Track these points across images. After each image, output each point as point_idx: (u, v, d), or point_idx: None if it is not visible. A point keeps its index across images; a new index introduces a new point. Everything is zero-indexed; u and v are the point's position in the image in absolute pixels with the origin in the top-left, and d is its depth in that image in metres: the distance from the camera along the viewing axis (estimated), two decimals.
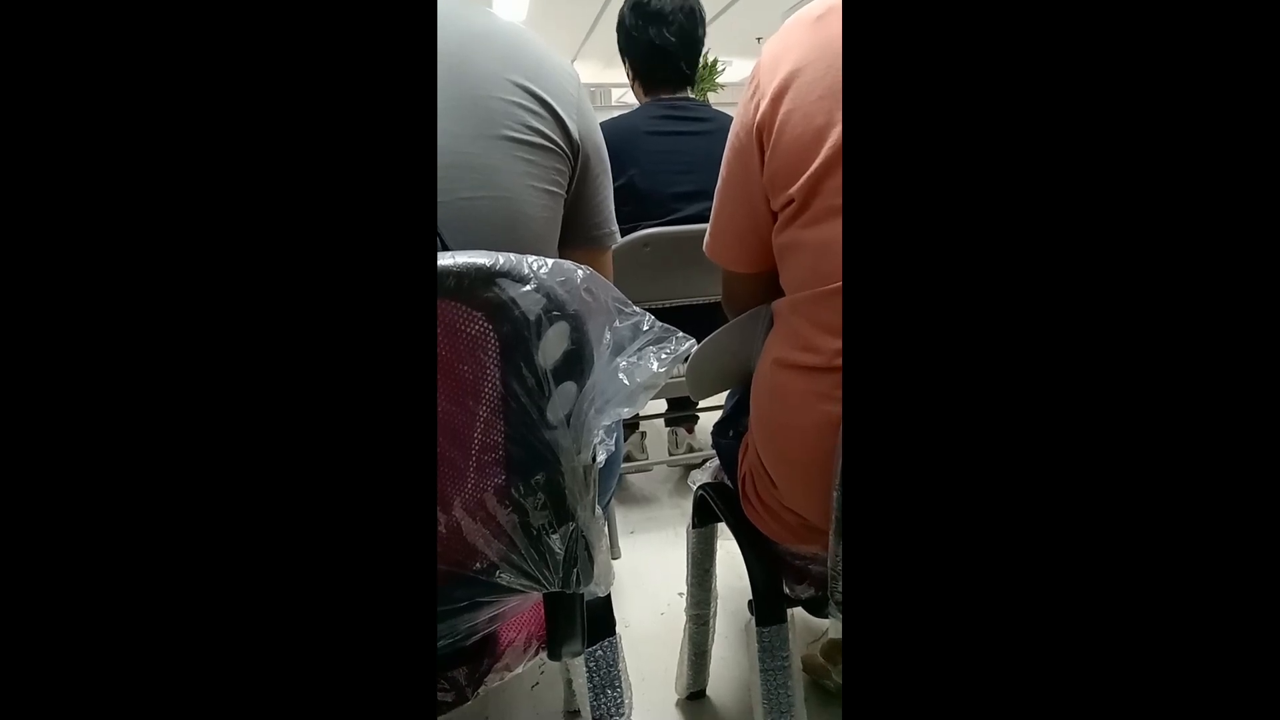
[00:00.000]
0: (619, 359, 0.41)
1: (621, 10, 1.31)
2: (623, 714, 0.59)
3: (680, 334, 0.42)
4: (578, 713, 0.96)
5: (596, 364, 0.41)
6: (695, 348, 0.84)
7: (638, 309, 0.43)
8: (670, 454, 1.70)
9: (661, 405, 1.72)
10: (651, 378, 0.41)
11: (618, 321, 0.41)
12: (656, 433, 1.80)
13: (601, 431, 0.44)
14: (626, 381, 0.41)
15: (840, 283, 0.52)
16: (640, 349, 0.41)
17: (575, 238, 0.67)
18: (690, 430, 1.71)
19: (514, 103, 0.55)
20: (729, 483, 0.75)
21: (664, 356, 0.41)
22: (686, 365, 0.86)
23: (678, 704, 0.98)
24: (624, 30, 1.31)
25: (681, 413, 1.67)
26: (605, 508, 0.85)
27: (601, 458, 0.45)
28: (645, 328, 0.42)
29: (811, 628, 1.00)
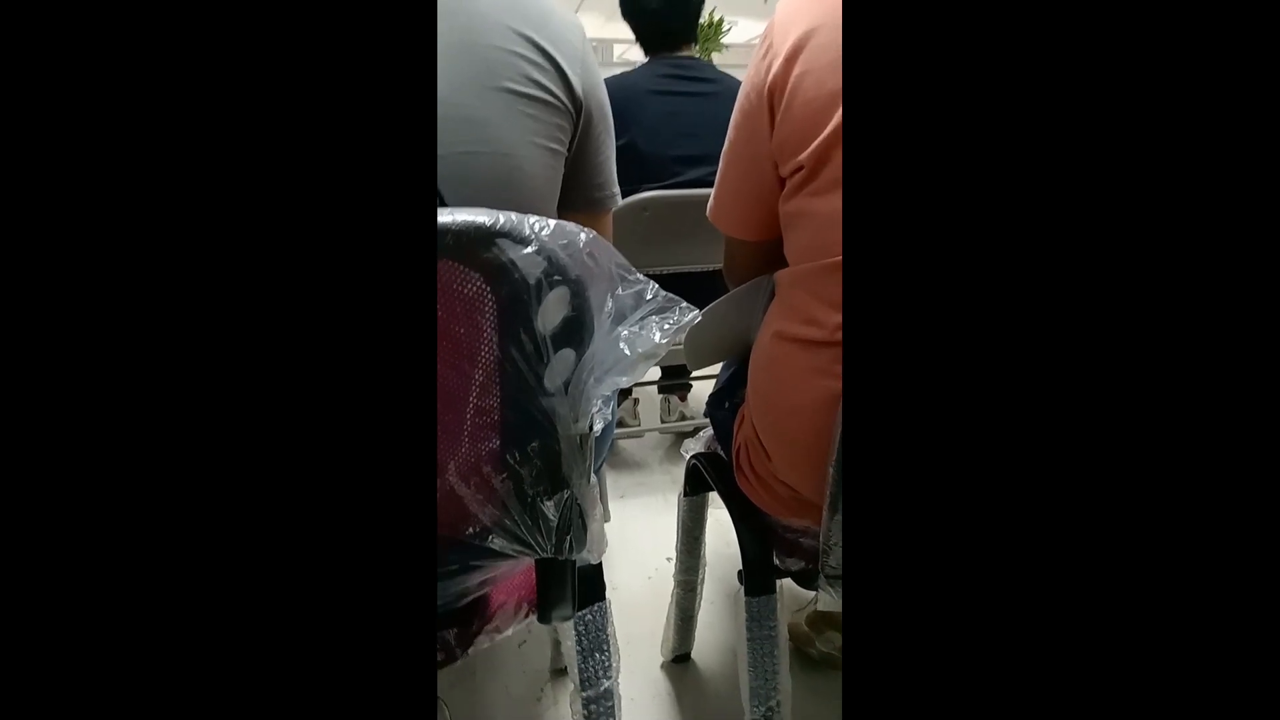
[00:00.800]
0: (620, 328, 0.40)
1: None
2: (610, 676, 0.60)
3: (684, 304, 0.41)
4: (564, 670, 0.97)
5: (597, 332, 0.40)
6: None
7: (641, 276, 0.41)
8: (663, 421, 1.71)
9: (655, 372, 1.71)
10: (653, 348, 0.40)
11: (620, 289, 0.40)
12: (649, 399, 1.80)
13: (599, 400, 0.43)
14: (627, 351, 0.40)
15: None
16: (643, 318, 0.40)
17: (575, 199, 0.65)
18: (683, 398, 1.71)
19: (516, 53, 0.53)
20: (722, 453, 0.75)
21: (667, 327, 0.40)
22: (685, 334, 0.85)
23: (663, 666, 1.00)
24: None
25: (675, 380, 1.67)
26: (597, 473, 0.85)
27: (598, 426, 0.44)
28: (648, 296, 0.40)
29: (797, 596, 1.02)
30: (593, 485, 0.47)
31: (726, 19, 4.47)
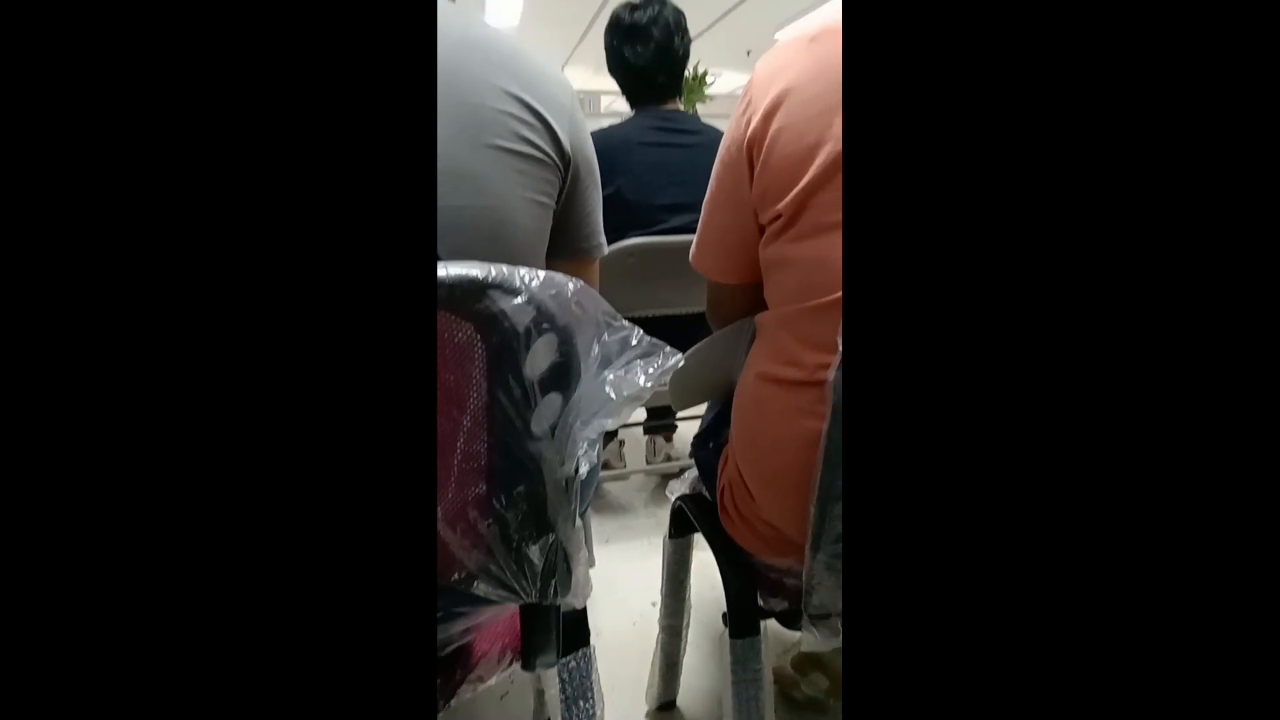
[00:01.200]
0: (606, 372, 0.41)
1: (605, 29, 1.32)
2: None
3: (668, 349, 0.43)
4: None
5: (583, 376, 0.41)
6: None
7: (626, 323, 0.43)
8: (648, 462, 1.70)
9: (641, 414, 1.72)
10: (638, 391, 0.41)
11: (606, 335, 0.41)
12: (635, 441, 1.80)
13: (585, 443, 0.44)
14: (612, 394, 0.41)
15: (825, 298, 0.53)
16: (628, 362, 0.41)
17: (563, 248, 0.67)
18: (669, 439, 1.71)
19: (507, 112, 0.55)
20: (707, 494, 0.76)
21: (651, 371, 0.41)
22: (670, 376, 0.87)
23: (648, 715, 0.98)
24: (608, 48, 1.33)
25: (660, 421, 1.67)
26: (583, 516, 0.85)
27: (584, 470, 0.45)
28: (634, 342, 0.42)
29: (782, 639, 1.01)
30: (578, 529, 0.47)
31: (710, 72, 4.64)
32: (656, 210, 1.26)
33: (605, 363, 0.42)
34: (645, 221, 1.25)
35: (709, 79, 4.68)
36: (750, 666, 0.66)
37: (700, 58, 3.33)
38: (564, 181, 0.62)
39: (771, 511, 0.62)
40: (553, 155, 0.59)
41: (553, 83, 0.60)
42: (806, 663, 0.93)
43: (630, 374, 0.42)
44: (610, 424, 0.43)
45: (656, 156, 1.27)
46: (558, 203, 0.63)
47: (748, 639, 0.65)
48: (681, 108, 1.39)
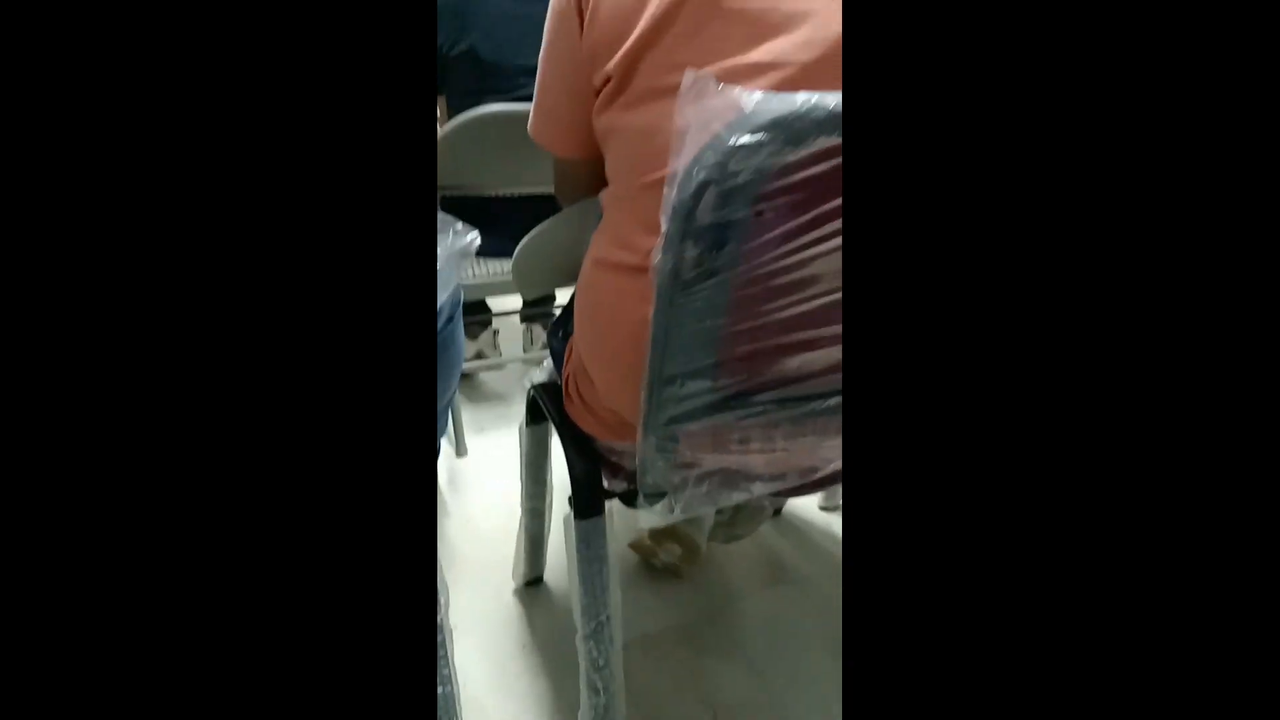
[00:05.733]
0: None
1: None
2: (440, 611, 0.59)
3: (461, 225, 0.38)
4: None
5: None
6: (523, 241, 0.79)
7: None
8: (525, 351, 1.67)
9: (517, 302, 1.66)
10: None
11: None
12: (511, 329, 1.75)
13: None
14: None
15: (654, 175, 0.49)
16: None
17: None
18: (545, 327, 1.68)
19: None
20: (559, 382, 0.74)
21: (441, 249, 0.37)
22: (513, 259, 0.81)
23: (515, 592, 1.02)
24: None
25: (537, 309, 1.63)
26: (449, 407, 0.81)
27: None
28: None
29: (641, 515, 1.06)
30: None
31: None
32: (516, 73, 1.13)
33: None
34: (504, 86, 1.13)
35: None
36: (595, 545, 0.68)
37: None
38: None
39: (611, 397, 0.61)
40: None
41: None
42: (661, 534, 0.99)
43: None
44: None
45: (513, 8, 1.12)
46: None
47: (591, 520, 0.67)
48: None
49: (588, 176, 0.65)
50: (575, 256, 0.69)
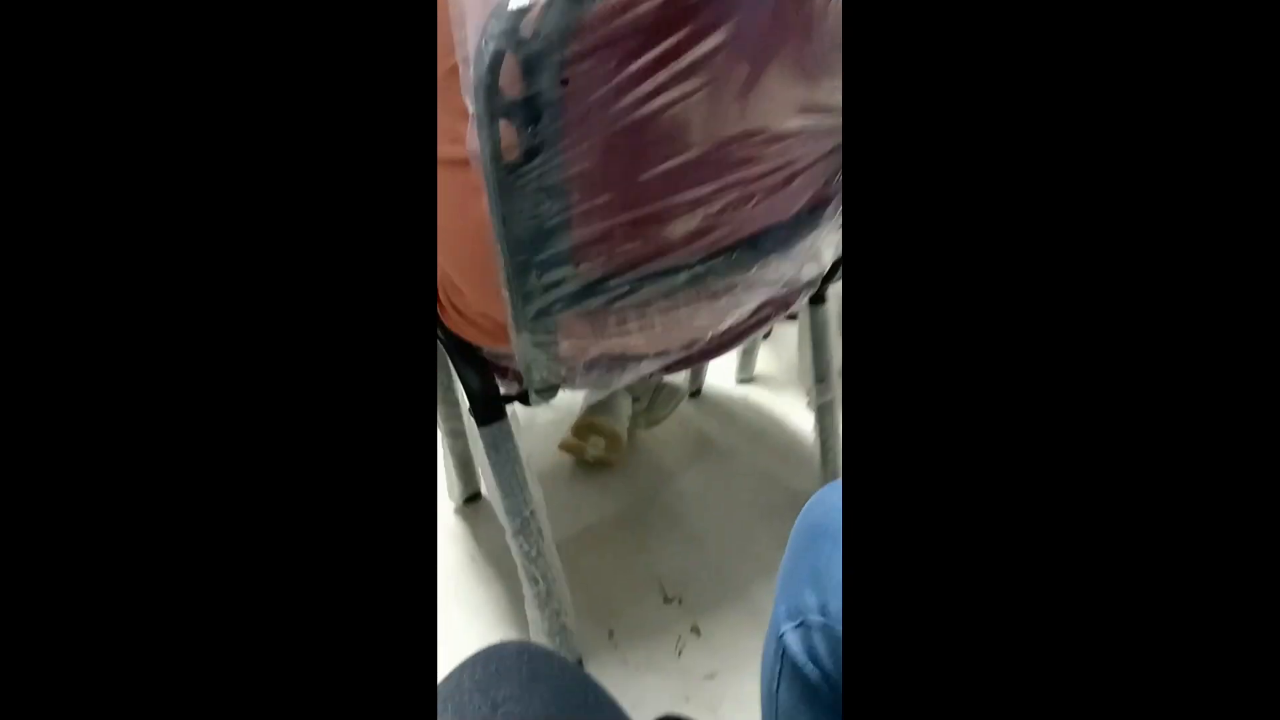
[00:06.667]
0: None
1: None
2: None
3: None
4: None
5: None
6: None
7: None
8: None
9: None
10: None
11: None
12: None
13: None
14: None
15: (452, 59, 0.46)
16: None
17: None
18: None
19: None
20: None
21: None
22: None
23: (456, 510, 1.04)
24: None
25: None
26: None
27: None
28: None
29: (574, 411, 1.08)
30: None
31: None
32: None
33: None
34: None
35: None
36: (504, 449, 0.69)
37: None
38: None
39: (480, 301, 0.61)
40: None
41: None
42: (584, 430, 1.02)
43: None
44: None
45: None
46: None
47: (495, 425, 0.68)
48: None
49: None
50: None
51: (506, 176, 0.45)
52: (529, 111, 0.43)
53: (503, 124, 0.43)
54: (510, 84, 0.41)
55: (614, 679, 0.93)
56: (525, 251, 0.51)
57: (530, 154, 0.44)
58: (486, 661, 0.33)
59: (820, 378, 0.94)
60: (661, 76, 0.45)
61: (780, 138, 0.53)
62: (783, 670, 0.42)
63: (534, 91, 0.42)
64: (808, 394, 0.96)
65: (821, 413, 0.97)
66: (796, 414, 1.17)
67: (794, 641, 0.39)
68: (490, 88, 0.41)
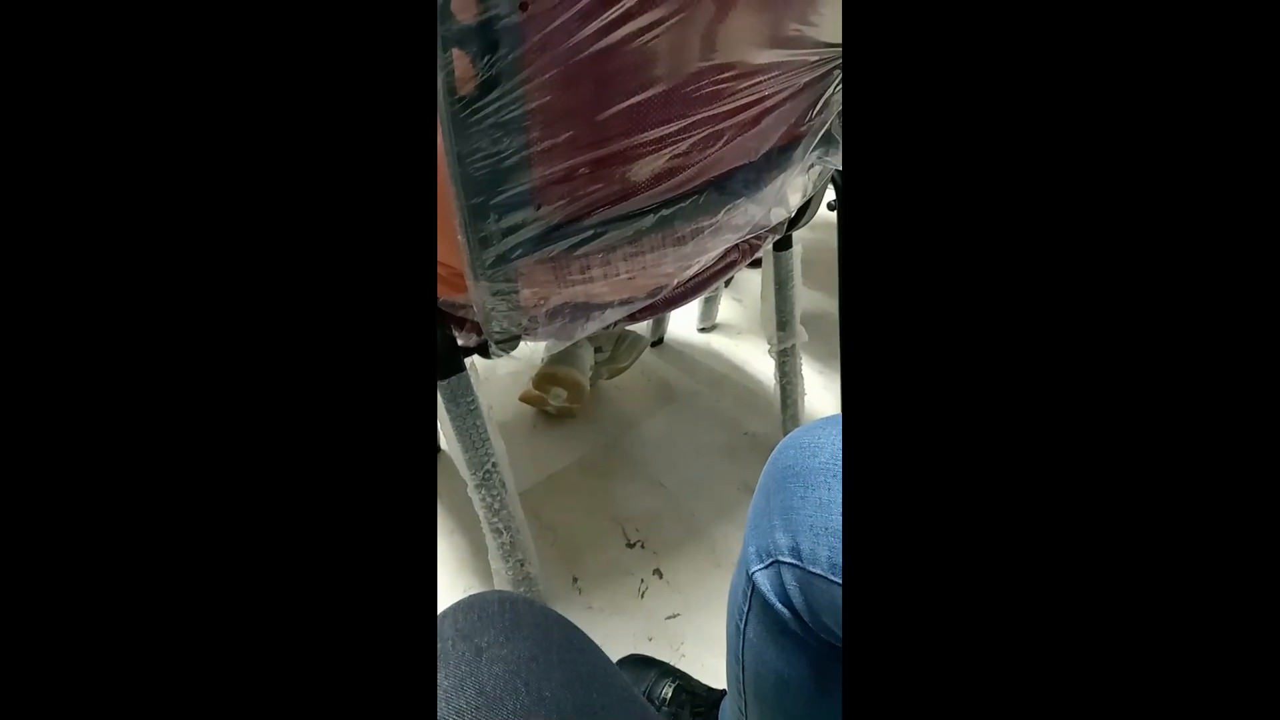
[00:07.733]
0: None
1: None
2: None
3: None
4: None
5: None
6: None
7: None
8: None
9: None
10: None
11: None
12: None
13: None
14: None
15: None
16: None
17: None
18: None
19: None
20: None
21: None
22: None
23: None
24: None
25: None
26: None
27: None
28: None
29: (533, 364, 1.06)
30: None
31: None
32: None
33: None
34: None
35: None
36: (463, 401, 0.67)
37: None
38: None
39: (443, 252, 0.57)
40: None
41: None
42: (545, 381, 1.00)
43: None
44: None
45: None
46: None
47: (454, 378, 0.66)
48: None
49: None
50: None
51: (461, 112, 0.42)
52: (485, 39, 0.39)
53: (456, 53, 0.39)
54: (463, 8, 0.38)
55: (579, 623, 0.95)
56: (482, 193, 0.48)
57: (486, 86, 0.41)
58: (468, 610, 0.33)
59: (783, 324, 0.94)
60: (628, 2, 0.42)
61: (751, 73, 0.51)
62: (751, 609, 0.43)
63: (490, 15, 0.38)
64: (769, 340, 0.96)
65: (783, 358, 0.97)
66: (757, 360, 1.18)
67: (764, 580, 0.40)
68: (442, 10, 0.37)
